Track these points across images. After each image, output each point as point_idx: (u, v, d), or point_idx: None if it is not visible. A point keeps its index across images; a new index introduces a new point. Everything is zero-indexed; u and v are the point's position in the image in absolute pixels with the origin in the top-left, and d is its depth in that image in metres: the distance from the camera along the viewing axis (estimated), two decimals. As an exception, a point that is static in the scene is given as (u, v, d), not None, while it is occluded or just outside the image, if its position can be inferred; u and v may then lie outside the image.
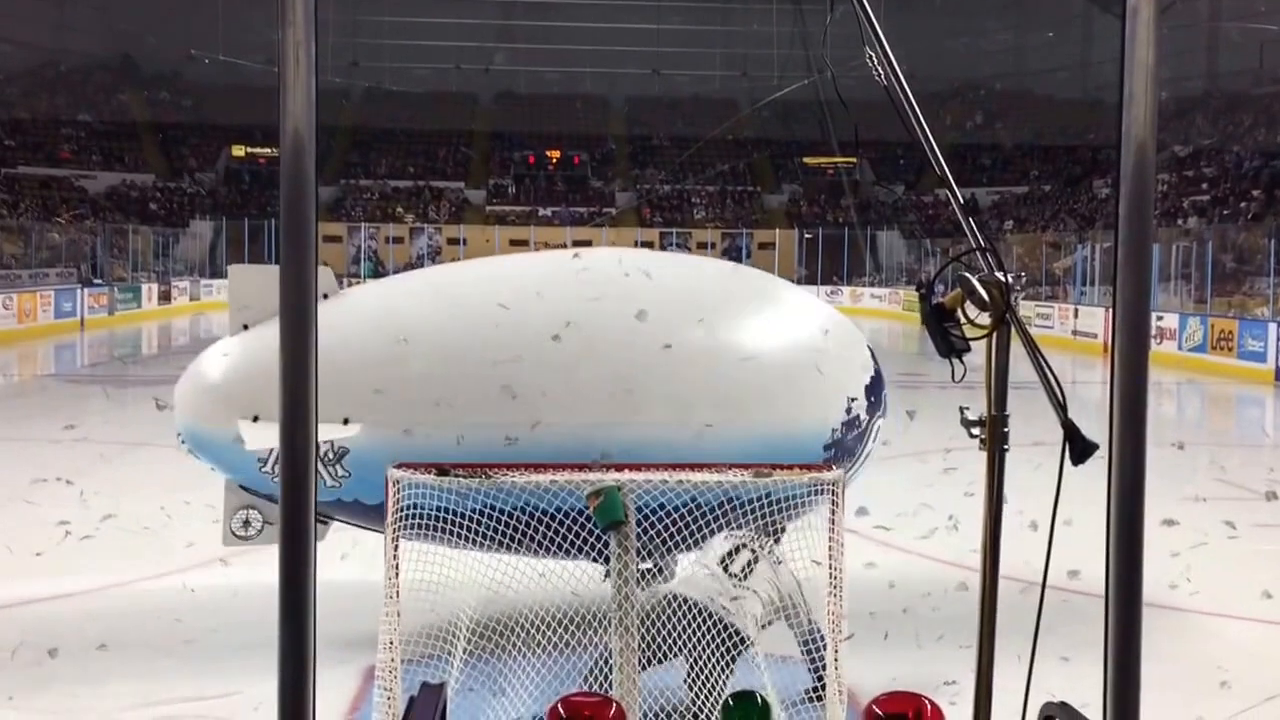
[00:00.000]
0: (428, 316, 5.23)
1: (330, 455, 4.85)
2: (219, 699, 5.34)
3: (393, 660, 4.50)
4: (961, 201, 2.73)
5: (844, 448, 5.07)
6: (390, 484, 4.53)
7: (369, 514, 5.02)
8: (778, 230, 51.48)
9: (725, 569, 4.93)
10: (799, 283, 49.30)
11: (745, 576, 4.88)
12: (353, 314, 5.23)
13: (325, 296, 5.02)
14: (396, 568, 4.55)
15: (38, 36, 53.85)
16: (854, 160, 52.94)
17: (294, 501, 2.19)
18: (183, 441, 5.32)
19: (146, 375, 21.60)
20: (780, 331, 5.27)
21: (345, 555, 6.25)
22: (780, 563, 4.95)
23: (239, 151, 55.06)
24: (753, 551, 4.99)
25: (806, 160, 55.75)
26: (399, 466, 4.59)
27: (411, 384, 4.97)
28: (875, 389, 5.38)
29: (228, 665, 5.75)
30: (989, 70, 60.12)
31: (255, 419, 4.83)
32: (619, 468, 4.88)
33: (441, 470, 4.58)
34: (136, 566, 7.50)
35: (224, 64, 47.91)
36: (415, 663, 4.68)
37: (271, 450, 4.77)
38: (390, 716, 4.44)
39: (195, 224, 50.48)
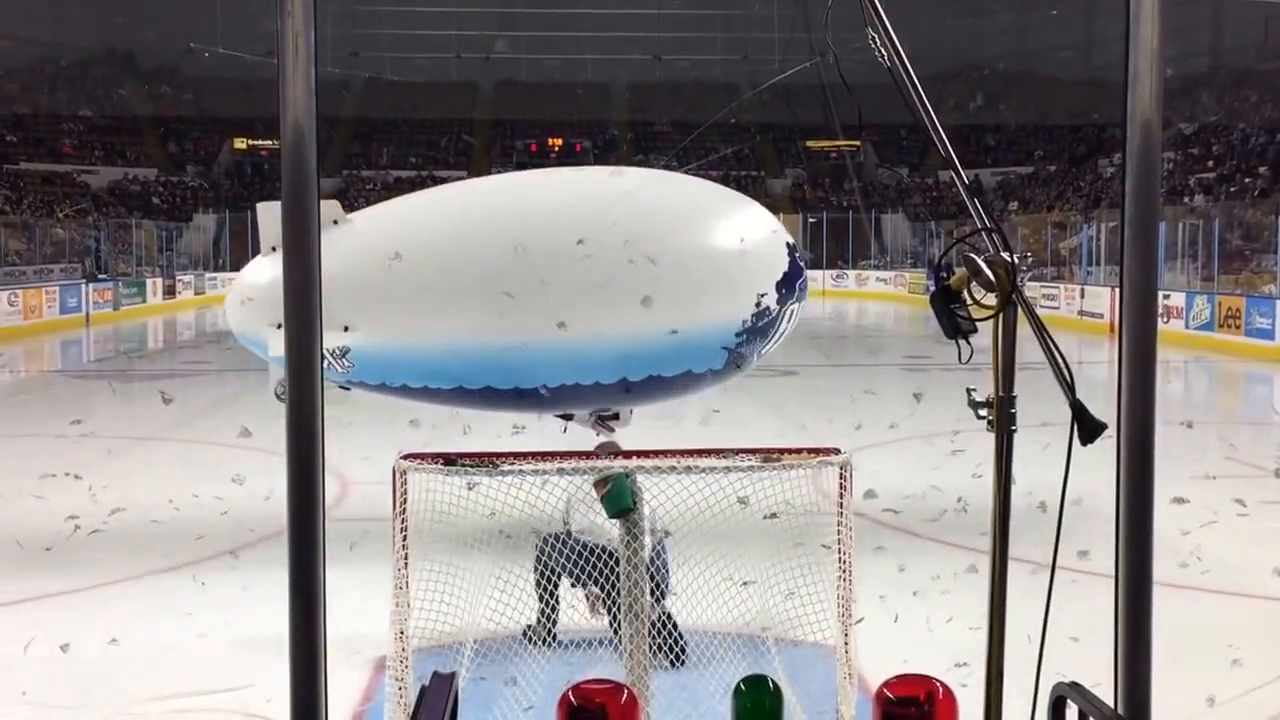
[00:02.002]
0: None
1: (336, 351, 5.80)
2: (231, 692, 5.35)
3: (404, 650, 4.51)
4: (966, 182, 2.71)
5: (756, 331, 5.63)
6: (396, 475, 4.53)
7: (373, 389, 6.06)
8: (782, 214, 51.34)
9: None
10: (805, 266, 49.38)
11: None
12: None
13: (335, 222, 5.97)
14: (406, 557, 4.56)
15: (37, 32, 53.81)
16: (858, 143, 52.80)
17: (303, 500, 2.19)
18: (236, 339, 6.32)
19: (153, 370, 21.64)
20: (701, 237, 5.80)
21: (354, 545, 6.26)
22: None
23: (240, 144, 55.01)
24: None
25: (809, 144, 55.63)
26: (405, 457, 4.60)
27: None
28: (789, 281, 5.85)
29: (239, 658, 5.77)
30: (992, 50, 59.90)
31: (280, 326, 5.57)
32: (626, 454, 4.89)
33: (449, 460, 4.57)
34: (146, 560, 7.52)
35: (223, 56, 47.76)
36: (426, 652, 4.69)
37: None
38: (402, 706, 4.46)
39: (198, 217, 50.48)
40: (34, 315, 27.60)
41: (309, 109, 2.01)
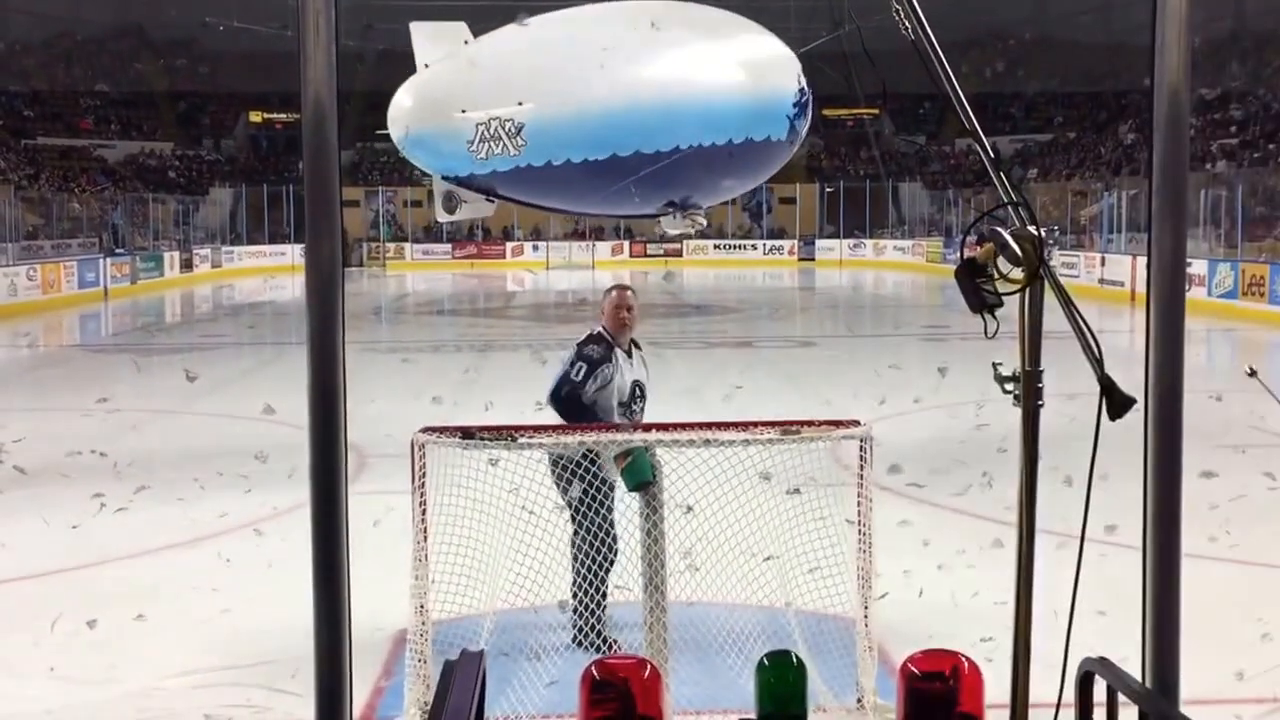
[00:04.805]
0: None
1: (512, 128, 6.21)
2: (255, 667, 5.39)
3: (424, 624, 4.53)
4: (991, 155, 2.68)
5: (802, 106, 6.65)
6: (415, 448, 4.55)
7: (533, 179, 6.42)
8: (799, 184, 51.07)
9: None
10: (820, 236, 48.89)
11: None
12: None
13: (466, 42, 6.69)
14: (425, 532, 4.57)
15: (53, 7, 53.80)
16: (876, 111, 52.40)
17: (326, 479, 2.19)
18: (401, 148, 6.82)
19: (173, 344, 21.74)
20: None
21: (378, 522, 6.27)
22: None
23: (256, 117, 54.98)
24: None
25: (826, 113, 55.18)
26: (424, 430, 4.61)
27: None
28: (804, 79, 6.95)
29: (264, 634, 5.80)
30: (1010, 15, 59.20)
31: (463, 111, 6.37)
32: (647, 428, 4.89)
33: (467, 433, 4.58)
34: (171, 537, 7.58)
35: (238, 30, 47.68)
36: (447, 624, 4.71)
37: (479, 128, 6.45)
38: (422, 679, 4.48)
39: (215, 191, 50.51)
40: (52, 290, 27.75)
41: (330, 86, 2.00)
